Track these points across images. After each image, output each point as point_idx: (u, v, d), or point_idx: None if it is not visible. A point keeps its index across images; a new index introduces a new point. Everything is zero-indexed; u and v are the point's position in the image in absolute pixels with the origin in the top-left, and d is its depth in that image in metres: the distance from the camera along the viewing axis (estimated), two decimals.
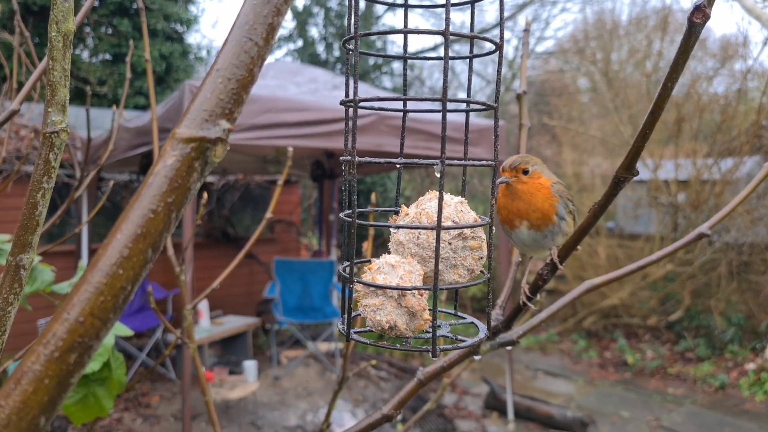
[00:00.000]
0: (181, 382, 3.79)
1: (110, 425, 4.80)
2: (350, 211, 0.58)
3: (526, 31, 0.98)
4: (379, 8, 13.25)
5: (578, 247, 0.73)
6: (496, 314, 0.78)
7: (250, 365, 5.22)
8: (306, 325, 6.55)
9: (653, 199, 7.41)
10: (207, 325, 5.68)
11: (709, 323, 6.80)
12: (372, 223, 0.59)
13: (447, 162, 0.55)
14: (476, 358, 0.81)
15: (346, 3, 0.57)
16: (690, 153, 6.84)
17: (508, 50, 14.18)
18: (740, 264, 6.60)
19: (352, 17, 0.55)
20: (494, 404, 5.26)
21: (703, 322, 6.91)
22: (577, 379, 6.32)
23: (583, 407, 5.42)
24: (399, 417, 4.99)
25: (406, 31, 0.57)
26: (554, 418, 4.87)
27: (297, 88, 4.84)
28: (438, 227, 0.54)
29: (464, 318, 0.68)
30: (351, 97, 0.56)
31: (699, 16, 0.38)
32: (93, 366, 1.16)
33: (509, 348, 0.76)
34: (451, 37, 0.52)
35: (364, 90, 5.16)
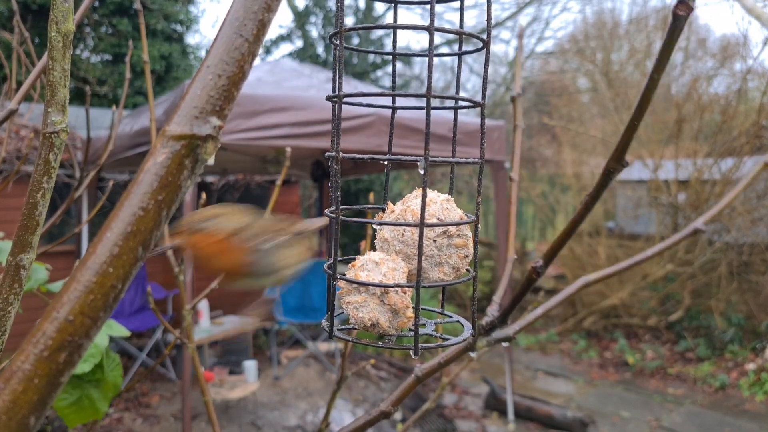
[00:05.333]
0: (181, 382, 3.79)
1: (110, 425, 4.80)
2: (335, 207, 0.58)
3: (521, 36, 0.99)
4: (379, 8, 13.25)
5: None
6: (492, 310, 0.78)
7: (250, 365, 5.22)
8: (306, 325, 6.54)
9: (653, 199, 7.41)
10: (207, 325, 5.68)
11: (709, 323, 6.80)
12: (354, 219, 0.59)
13: (432, 159, 0.55)
14: (472, 355, 0.81)
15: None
16: (690, 153, 6.84)
17: (508, 50, 14.18)
18: (740, 264, 6.59)
19: (337, 13, 0.55)
20: (494, 404, 5.26)
21: (703, 322, 6.90)
22: (577, 379, 6.32)
23: (583, 407, 5.42)
24: (399, 417, 4.98)
25: (391, 26, 0.57)
26: (554, 418, 4.87)
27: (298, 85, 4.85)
28: (421, 224, 0.54)
29: (450, 317, 0.68)
30: (336, 92, 0.56)
31: (683, 8, 0.39)
32: (83, 367, 1.15)
33: (506, 344, 0.76)
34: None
35: (361, 88, 5.14)
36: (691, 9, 0.39)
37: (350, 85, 5.59)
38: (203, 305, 5.73)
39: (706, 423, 5.13)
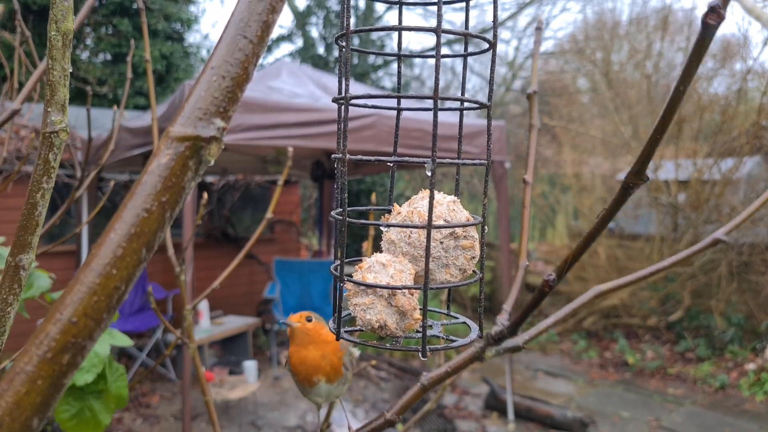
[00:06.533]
0: (181, 383, 3.79)
1: (110, 425, 4.80)
2: (341, 209, 0.57)
3: (539, 29, 0.98)
4: (380, 8, 13.25)
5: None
6: (503, 319, 0.77)
7: (250, 365, 5.22)
8: None
9: (653, 199, 7.41)
10: (207, 326, 5.68)
11: (709, 323, 6.80)
12: (362, 221, 0.59)
13: (439, 161, 0.54)
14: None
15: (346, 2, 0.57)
16: (690, 153, 6.84)
17: (508, 50, 14.17)
18: (740, 264, 6.59)
19: (344, 15, 0.55)
20: (494, 404, 5.26)
21: (703, 323, 6.91)
22: (577, 379, 6.32)
23: (583, 407, 5.42)
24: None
25: (398, 28, 0.57)
26: (554, 418, 4.87)
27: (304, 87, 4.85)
28: (429, 226, 0.54)
29: (457, 318, 0.68)
30: (343, 94, 0.56)
31: (713, 17, 0.37)
32: (86, 377, 1.12)
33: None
34: (454, 38, 0.52)
35: (361, 90, 5.16)
36: (722, 18, 0.37)
37: (351, 86, 5.59)
38: (203, 305, 5.73)
39: (706, 423, 5.13)
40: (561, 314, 0.80)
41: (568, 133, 8.98)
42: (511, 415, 5.02)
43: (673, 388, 6.02)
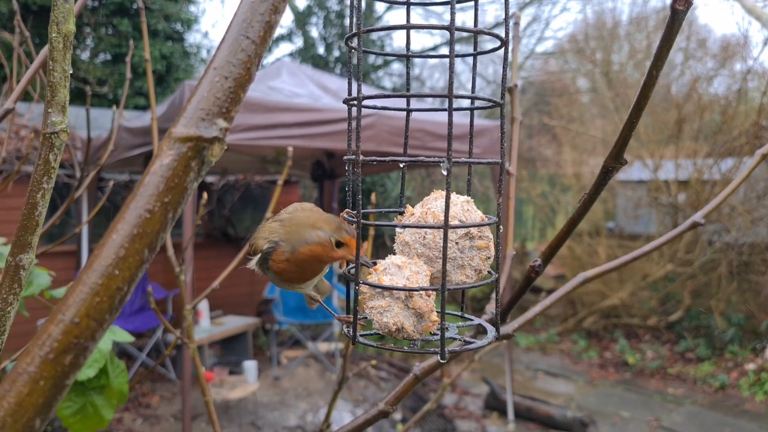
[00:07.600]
0: (181, 383, 3.78)
1: (110, 425, 4.80)
2: (355, 211, 0.57)
3: (516, 24, 1.00)
4: (379, 8, 13.24)
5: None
6: (492, 308, 0.78)
7: (250, 365, 5.22)
8: (306, 325, 6.54)
9: (653, 199, 7.41)
10: (207, 325, 5.68)
11: (709, 323, 6.80)
12: (378, 223, 0.58)
13: (455, 160, 0.54)
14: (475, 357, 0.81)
15: (347, 2, 0.56)
16: (690, 153, 6.84)
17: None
18: (740, 264, 6.59)
19: (354, 15, 0.55)
20: (494, 404, 5.26)
21: (703, 323, 6.90)
22: (577, 379, 6.32)
23: (583, 407, 5.42)
24: (399, 417, 4.97)
25: (409, 27, 0.57)
26: (554, 419, 4.87)
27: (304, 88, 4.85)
28: (445, 226, 0.53)
29: (471, 319, 0.67)
30: (354, 95, 0.56)
31: (681, 3, 0.39)
32: (88, 373, 1.12)
33: (505, 342, 0.75)
34: (458, 37, 0.52)
35: (366, 90, 5.10)
36: (690, 3, 0.39)
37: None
38: (203, 305, 5.73)
39: (706, 423, 5.13)
40: (548, 302, 0.81)
41: (568, 133, 8.97)
42: (511, 415, 5.02)
43: (673, 388, 6.02)
